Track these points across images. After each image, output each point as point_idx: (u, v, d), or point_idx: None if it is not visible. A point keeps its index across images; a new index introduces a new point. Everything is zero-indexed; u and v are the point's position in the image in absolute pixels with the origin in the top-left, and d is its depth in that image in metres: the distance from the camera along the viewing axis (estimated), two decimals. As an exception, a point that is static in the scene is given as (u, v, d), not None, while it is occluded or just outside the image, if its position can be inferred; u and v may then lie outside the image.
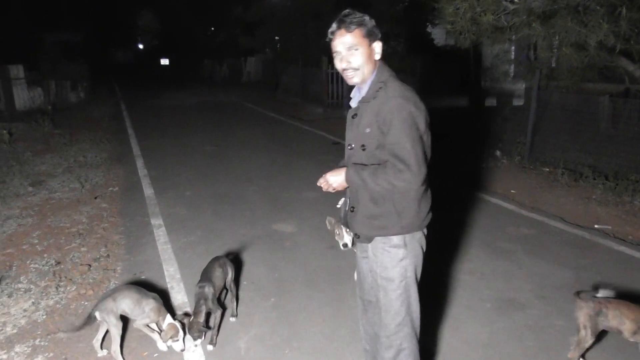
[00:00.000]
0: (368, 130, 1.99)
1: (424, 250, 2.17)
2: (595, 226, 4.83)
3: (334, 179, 2.09)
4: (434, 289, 3.58)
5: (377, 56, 2.03)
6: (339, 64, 2.05)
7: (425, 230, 2.16)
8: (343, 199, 2.32)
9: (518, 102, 12.28)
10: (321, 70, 14.14)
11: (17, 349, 2.98)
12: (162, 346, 2.92)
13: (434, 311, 3.27)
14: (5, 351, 2.96)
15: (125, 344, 2.97)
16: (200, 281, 3.05)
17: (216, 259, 3.33)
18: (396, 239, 2.07)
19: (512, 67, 17.05)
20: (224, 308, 3.25)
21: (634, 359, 2.74)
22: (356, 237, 2.18)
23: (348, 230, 2.98)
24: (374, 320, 2.30)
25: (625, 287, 3.60)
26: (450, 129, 8.79)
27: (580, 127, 7.03)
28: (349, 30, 1.96)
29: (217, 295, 3.08)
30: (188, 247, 4.44)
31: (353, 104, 2.14)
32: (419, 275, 2.17)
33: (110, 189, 6.29)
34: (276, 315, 3.30)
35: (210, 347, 2.94)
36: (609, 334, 2.82)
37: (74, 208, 5.49)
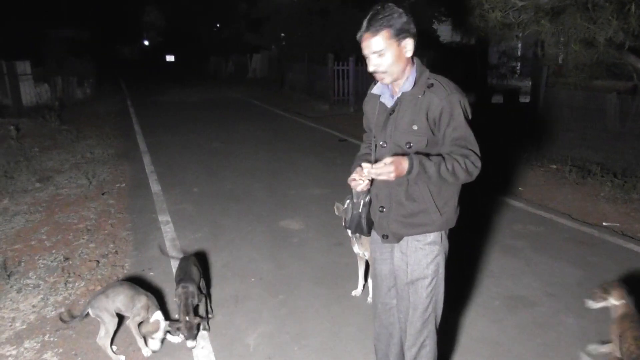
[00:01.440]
0: (415, 127, 1.92)
1: None
2: (604, 224, 4.81)
3: (390, 169, 1.78)
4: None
5: (409, 53, 1.92)
6: (369, 66, 1.96)
7: None
8: (348, 201, 2.20)
9: (524, 99, 12.24)
10: (327, 67, 14.12)
11: (27, 344, 3.00)
12: (146, 352, 2.89)
13: (443, 309, 3.26)
14: (14, 347, 2.97)
15: (134, 339, 2.97)
16: (181, 281, 3.02)
17: (187, 258, 3.36)
18: (433, 236, 2.03)
19: (519, 64, 17.01)
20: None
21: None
22: (384, 238, 2.11)
23: (357, 235, 2.95)
24: (390, 321, 2.28)
25: (633, 284, 3.58)
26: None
27: (588, 124, 6.99)
28: (374, 34, 1.86)
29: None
30: (196, 243, 4.44)
31: (386, 100, 2.04)
32: None
33: (118, 185, 6.31)
34: (284, 312, 3.31)
35: (205, 332, 3.05)
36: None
37: (82, 204, 5.51)
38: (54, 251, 4.29)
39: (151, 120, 11.96)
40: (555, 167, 6.81)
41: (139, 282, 3.15)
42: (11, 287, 3.67)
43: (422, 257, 2.04)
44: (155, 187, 6.19)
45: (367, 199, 2.14)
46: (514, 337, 2.97)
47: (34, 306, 3.43)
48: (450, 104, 1.86)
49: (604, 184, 5.85)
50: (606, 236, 4.46)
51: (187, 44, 36.86)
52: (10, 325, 3.19)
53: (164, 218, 5.06)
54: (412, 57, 1.95)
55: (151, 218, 5.08)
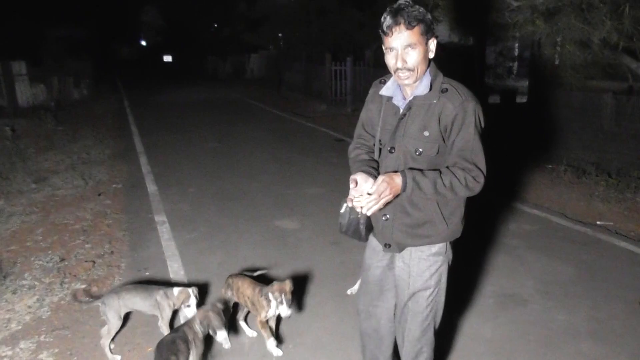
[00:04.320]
0: (427, 133, 1.82)
1: None
2: (598, 223, 4.84)
3: (384, 186, 1.73)
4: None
5: (432, 55, 1.84)
6: (391, 62, 1.81)
7: None
8: (345, 205, 2.00)
9: (521, 99, 12.27)
10: (324, 67, 14.14)
11: (22, 345, 3.00)
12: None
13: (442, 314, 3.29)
14: (10, 347, 2.98)
15: (130, 339, 2.99)
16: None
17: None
18: (438, 247, 1.96)
19: (516, 64, 17.03)
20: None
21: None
22: (386, 247, 2.01)
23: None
24: (376, 326, 2.21)
25: (625, 282, 3.61)
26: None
27: (584, 124, 7.03)
28: (409, 27, 1.73)
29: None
30: (192, 243, 4.46)
31: (398, 102, 1.92)
32: None
33: (114, 185, 6.32)
34: (279, 311, 3.32)
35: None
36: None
37: (78, 205, 5.51)
38: (49, 252, 4.29)
39: (148, 120, 11.96)
40: (550, 166, 6.84)
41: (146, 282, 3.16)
42: (6, 288, 3.67)
43: (425, 268, 1.97)
44: (151, 187, 6.19)
45: None
46: (506, 334, 2.99)
47: (29, 307, 3.43)
48: (464, 111, 1.78)
49: (599, 184, 5.89)
50: (600, 235, 4.49)
51: (185, 44, 36.80)
52: (6, 326, 3.19)
53: (160, 218, 5.06)
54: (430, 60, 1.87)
55: (147, 218, 5.09)
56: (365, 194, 1.73)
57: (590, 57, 5.63)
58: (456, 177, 1.78)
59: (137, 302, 2.86)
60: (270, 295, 2.73)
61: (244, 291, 2.89)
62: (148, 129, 10.52)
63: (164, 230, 4.73)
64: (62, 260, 4.13)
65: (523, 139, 7.65)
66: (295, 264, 4.02)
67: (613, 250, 4.17)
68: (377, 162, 2.00)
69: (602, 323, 3.08)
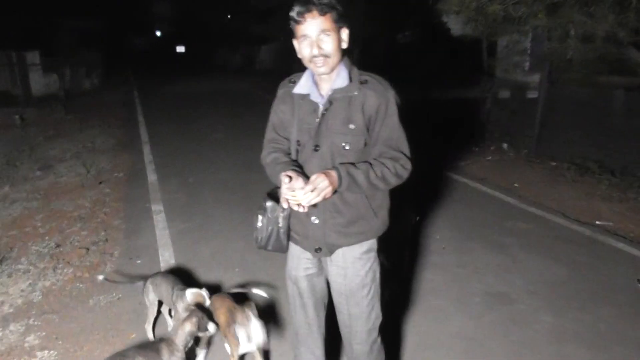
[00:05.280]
0: (352, 126, 1.78)
1: None
2: (597, 222, 4.75)
3: (326, 183, 1.66)
4: (424, 282, 3.57)
5: (345, 45, 1.79)
6: (306, 50, 1.76)
7: None
8: (261, 217, 1.92)
9: (532, 94, 12.07)
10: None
11: (12, 327, 3.08)
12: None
13: (422, 304, 3.28)
14: (0, 329, 3.06)
15: (114, 325, 3.04)
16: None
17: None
18: (369, 244, 1.93)
19: (528, 58, 16.73)
20: None
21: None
22: (316, 252, 1.94)
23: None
24: (314, 339, 2.16)
25: (617, 284, 3.55)
26: (457, 121, 8.75)
27: (592, 121, 6.88)
28: (322, 13, 1.71)
29: None
30: (185, 233, 4.49)
31: (315, 98, 1.85)
32: None
33: (115, 174, 6.39)
34: (266, 303, 3.33)
35: None
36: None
37: (79, 193, 5.59)
38: (46, 238, 4.38)
39: (156, 110, 12.05)
40: (554, 164, 6.74)
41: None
42: (2, 272, 3.77)
43: (360, 267, 1.94)
44: (152, 176, 6.25)
45: (288, 211, 1.88)
46: (489, 333, 2.97)
47: (22, 290, 3.51)
48: (386, 101, 1.78)
49: (601, 182, 5.78)
50: (597, 235, 4.41)
51: (197, 35, 36.95)
52: (-1, 309, 3.28)
53: (157, 207, 5.11)
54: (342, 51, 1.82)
55: (144, 207, 5.14)
56: (299, 191, 1.65)
57: (592, 53, 5.51)
58: (386, 166, 1.78)
59: (163, 292, 2.81)
60: (236, 331, 2.37)
61: (219, 317, 2.46)
62: (155, 119, 10.60)
63: (160, 220, 4.78)
64: (58, 246, 4.21)
65: (528, 135, 7.53)
66: (284, 256, 4.00)
67: (609, 251, 4.10)
68: (298, 162, 1.91)
69: (589, 326, 3.03)
